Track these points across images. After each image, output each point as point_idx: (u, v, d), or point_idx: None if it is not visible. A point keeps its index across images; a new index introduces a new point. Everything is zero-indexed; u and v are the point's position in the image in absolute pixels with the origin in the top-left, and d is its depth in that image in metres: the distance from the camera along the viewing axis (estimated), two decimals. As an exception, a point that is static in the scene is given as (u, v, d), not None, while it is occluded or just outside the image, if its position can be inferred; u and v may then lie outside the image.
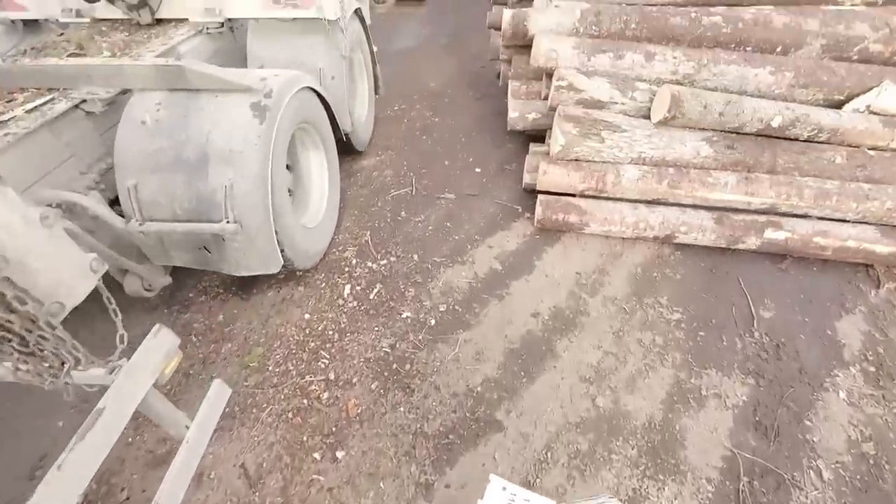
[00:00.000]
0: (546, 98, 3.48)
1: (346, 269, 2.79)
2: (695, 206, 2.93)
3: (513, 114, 3.65)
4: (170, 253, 2.10)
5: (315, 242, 2.73)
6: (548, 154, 3.16)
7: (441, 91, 4.98)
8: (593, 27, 3.10)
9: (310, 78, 2.50)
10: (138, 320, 2.45)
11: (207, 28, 2.95)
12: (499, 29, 6.15)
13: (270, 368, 2.27)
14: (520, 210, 3.27)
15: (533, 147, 3.58)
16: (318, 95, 2.68)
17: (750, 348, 2.37)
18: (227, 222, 1.91)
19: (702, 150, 2.86)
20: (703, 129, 2.88)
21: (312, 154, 2.80)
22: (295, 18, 2.92)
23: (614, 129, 2.87)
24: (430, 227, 3.10)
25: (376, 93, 4.30)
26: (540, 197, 3.00)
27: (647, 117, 2.95)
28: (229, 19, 3.02)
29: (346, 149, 3.50)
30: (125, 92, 2.13)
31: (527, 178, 3.30)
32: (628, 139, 2.87)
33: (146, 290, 2.22)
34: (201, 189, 1.94)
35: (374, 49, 4.76)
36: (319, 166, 2.85)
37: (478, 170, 3.70)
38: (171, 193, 1.94)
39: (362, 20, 3.68)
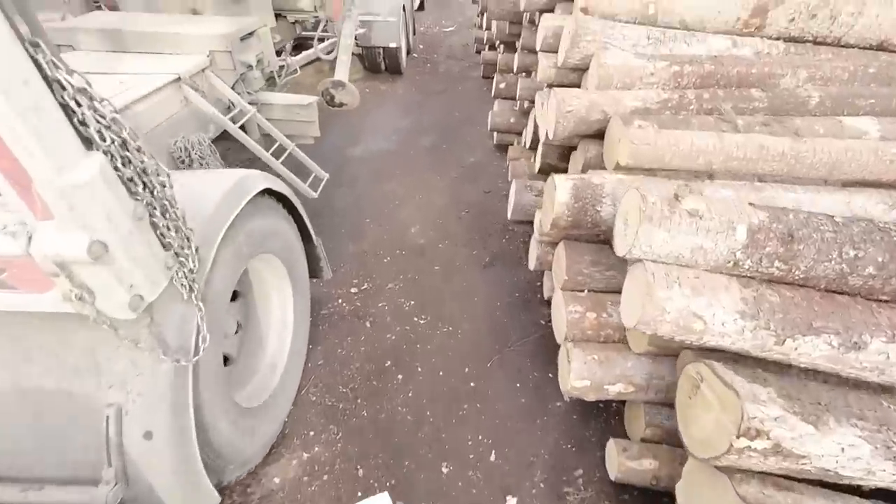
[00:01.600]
0: (644, 354, 1.69)
1: None
2: None
3: (579, 382, 1.80)
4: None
5: None
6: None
7: (427, 245, 3.14)
8: (776, 264, 1.37)
9: None
10: None
11: None
12: (504, 132, 4.31)
13: None
14: None
15: (619, 455, 1.72)
16: None
17: None
18: None
19: None
20: None
21: None
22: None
23: None
24: None
25: (316, 277, 2.43)
26: None
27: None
28: None
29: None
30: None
31: None
32: None
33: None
34: None
35: (320, 204, 2.99)
36: None
37: (512, 501, 1.79)
38: None
39: (284, 199, 1.83)
